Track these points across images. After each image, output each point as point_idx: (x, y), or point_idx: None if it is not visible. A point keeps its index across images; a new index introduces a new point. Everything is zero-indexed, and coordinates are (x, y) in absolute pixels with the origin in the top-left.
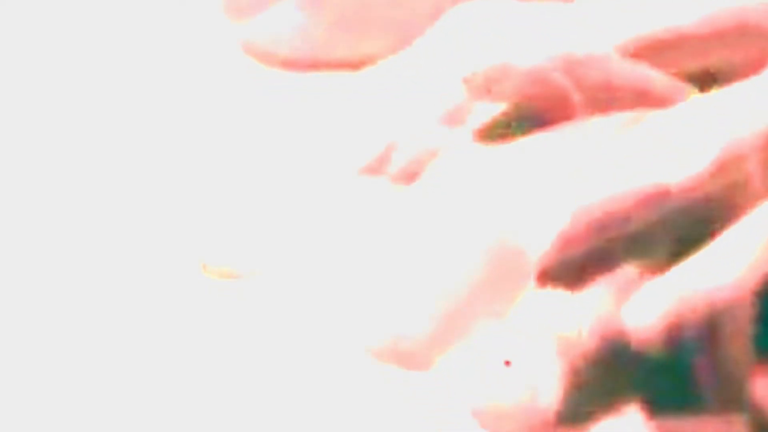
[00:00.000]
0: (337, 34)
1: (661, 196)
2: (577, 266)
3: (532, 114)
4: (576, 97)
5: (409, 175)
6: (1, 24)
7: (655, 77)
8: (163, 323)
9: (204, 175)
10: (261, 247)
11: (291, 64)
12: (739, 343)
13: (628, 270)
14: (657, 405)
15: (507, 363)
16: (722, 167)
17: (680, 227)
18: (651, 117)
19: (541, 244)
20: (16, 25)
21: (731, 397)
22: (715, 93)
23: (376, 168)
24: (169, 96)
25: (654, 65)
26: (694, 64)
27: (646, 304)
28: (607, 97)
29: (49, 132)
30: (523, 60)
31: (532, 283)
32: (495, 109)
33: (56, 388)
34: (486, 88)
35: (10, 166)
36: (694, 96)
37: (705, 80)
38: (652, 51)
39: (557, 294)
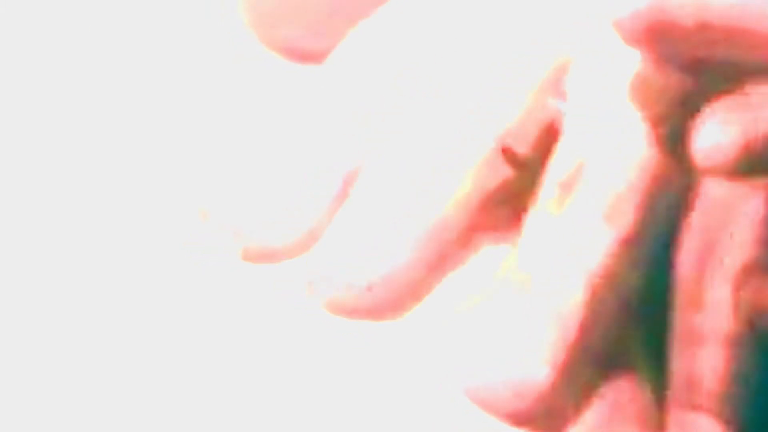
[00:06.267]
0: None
1: None
2: None
3: None
4: None
5: None
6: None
7: None
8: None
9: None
10: (296, 224)
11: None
12: None
13: None
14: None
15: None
16: None
17: None
18: None
19: None
20: (20, 23)
21: None
22: None
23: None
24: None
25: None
26: None
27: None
28: None
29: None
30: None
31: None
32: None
33: (58, 365)
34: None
35: (13, 139)
36: None
37: None
38: None
39: (549, 259)
